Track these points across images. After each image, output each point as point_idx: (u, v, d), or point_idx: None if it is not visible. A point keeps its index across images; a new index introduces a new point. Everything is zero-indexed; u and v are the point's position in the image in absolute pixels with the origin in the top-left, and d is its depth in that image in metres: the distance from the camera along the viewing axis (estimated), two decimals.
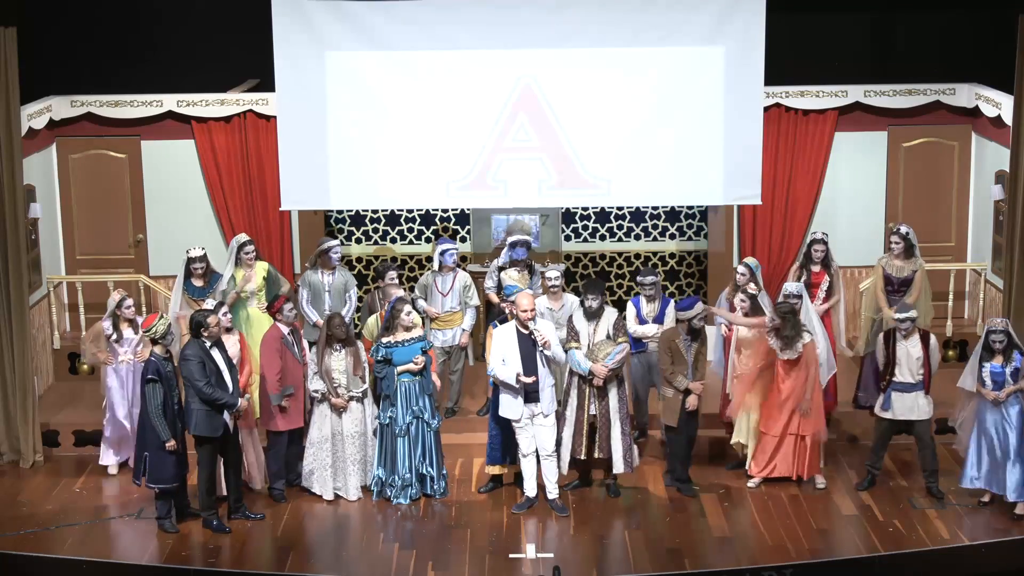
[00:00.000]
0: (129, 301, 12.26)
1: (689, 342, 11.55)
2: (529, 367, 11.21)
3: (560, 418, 11.60)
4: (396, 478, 11.60)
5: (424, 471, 11.68)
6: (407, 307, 11.61)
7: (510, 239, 13.12)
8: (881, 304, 12.59)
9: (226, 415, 11.03)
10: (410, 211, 15.02)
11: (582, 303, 11.63)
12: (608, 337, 11.48)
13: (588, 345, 11.48)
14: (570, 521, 11.33)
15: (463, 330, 12.87)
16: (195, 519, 11.24)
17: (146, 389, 10.87)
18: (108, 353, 12.23)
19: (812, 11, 15.17)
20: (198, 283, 12.71)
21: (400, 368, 11.52)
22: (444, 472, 11.85)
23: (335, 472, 11.63)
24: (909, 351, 11.48)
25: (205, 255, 12.75)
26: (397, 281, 12.52)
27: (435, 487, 11.74)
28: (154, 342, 11.05)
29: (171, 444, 10.87)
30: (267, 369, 11.56)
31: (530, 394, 11.27)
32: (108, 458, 12.39)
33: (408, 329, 11.62)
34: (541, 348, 11.19)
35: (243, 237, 12.93)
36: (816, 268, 12.71)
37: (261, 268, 12.93)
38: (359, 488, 11.68)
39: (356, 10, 12.97)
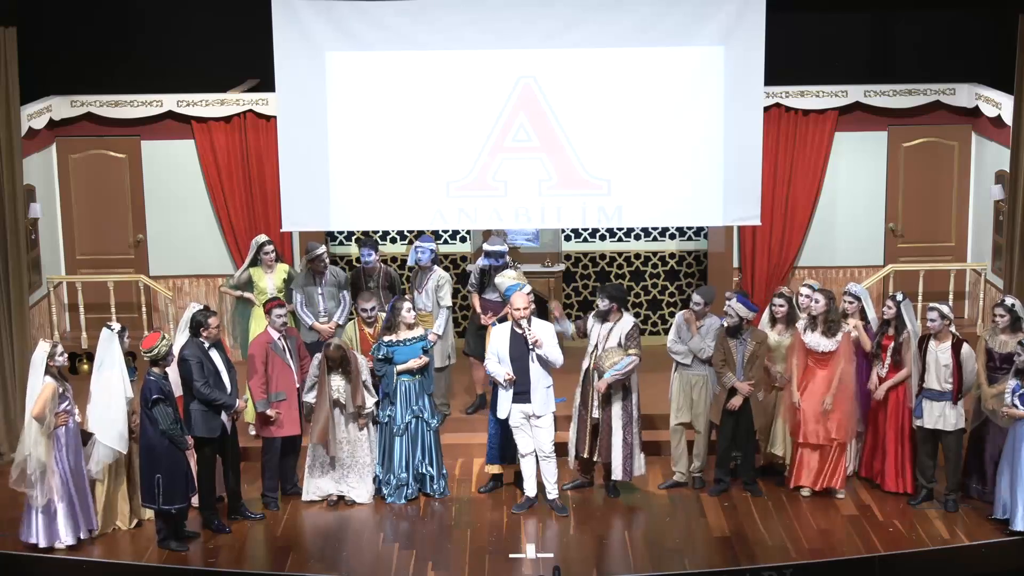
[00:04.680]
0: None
1: (743, 340, 11.41)
2: (517, 367, 11.21)
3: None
4: (391, 477, 11.61)
5: (424, 471, 11.68)
6: (407, 304, 11.60)
7: (484, 246, 13.10)
8: (981, 380, 11.14)
9: (224, 416, 11.02)
10: None
11: (594, 304, 11.57)
12: (619, 345, 11.44)
13: (599, 348, 11.44)
14: (570, 521, 11.33)
15: (432, 332, 12.33)
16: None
17: (155, 411, 10.49)
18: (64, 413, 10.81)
19: (812, 11, 15.17)
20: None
21: (399, 368, 11.53)
22: (444, 472, 11.84)
23: (322, 474, 11.56)
24: (938, 357, 11.04)
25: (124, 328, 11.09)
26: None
27: (435, 487, 11.74)
28: (153, 363, 10.67)
29: (190, 439, 10.78)
30: (248, 376, 11.42)
31: (519, 395, 11.26)
32: (68, 535, 10.73)
33: (410, 327, 11.62)
34: (532, 348, 11.20)
35: (263, 237, 12.96)
36: (889, 331, 11.50)
37: (282, 270, 12.94)
38: (362, 491, 11.59)
39: (356, 11, 12.96)
